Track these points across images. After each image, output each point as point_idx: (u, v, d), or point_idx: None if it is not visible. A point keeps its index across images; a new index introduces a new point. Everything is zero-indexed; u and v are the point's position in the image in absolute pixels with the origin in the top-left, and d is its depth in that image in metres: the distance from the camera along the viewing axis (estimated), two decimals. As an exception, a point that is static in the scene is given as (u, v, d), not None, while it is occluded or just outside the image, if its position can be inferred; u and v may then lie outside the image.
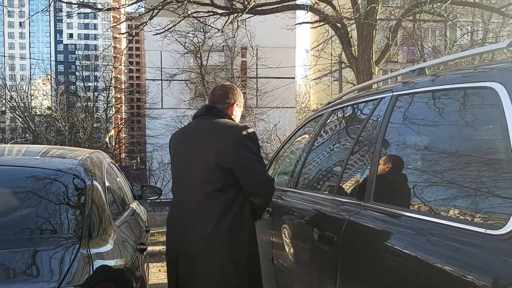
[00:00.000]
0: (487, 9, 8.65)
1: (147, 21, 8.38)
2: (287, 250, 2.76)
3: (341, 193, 2.28)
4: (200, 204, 2.38)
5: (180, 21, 8.77)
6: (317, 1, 8.10)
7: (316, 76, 27.21)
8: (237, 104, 2.68)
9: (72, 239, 2.02)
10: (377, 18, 7.15)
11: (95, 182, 2.55)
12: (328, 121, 2.81)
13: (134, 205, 3.85)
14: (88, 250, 1.97)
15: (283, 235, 2.84)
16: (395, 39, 8.82)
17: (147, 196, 4.28)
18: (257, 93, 25.13)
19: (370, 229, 1.89)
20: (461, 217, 1.48)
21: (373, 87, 3.30)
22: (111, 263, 2.11)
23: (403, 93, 2.04)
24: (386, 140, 2.01)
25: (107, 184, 2.80)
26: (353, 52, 7.39)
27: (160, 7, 7.96)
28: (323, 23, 7.97)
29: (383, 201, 1.89)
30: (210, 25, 8.87)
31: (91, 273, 1.87)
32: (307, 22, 8.85)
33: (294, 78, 30.23)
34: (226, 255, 2.33)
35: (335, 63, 23.12)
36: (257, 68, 26.32)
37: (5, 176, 2.41)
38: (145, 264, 2.97)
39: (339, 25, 7.41)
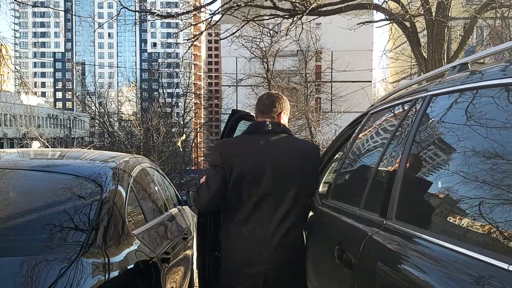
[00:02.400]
0: None
1: (208, 26, 8.42)
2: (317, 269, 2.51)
3: (366, 207, 2.00)
4: (280, 216, 2.45)
5: (244, 25, 8.73)
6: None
7: (394, 80, 26.18)
8: (284, 113, 2.70)
9: (71, 247, 1.93)
10: (450, 15, 6.59)
11: (118, 188, 2.47)
12: (365, 126, 2.52)
13: (174, 210, 3.76)
14: (83, 261, 1.87)
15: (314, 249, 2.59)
16: (479, 38, 8.11)
17: (192, 201, 4.20)
18: (331, 97, 24.65)
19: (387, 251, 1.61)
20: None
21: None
22: (112, 275, 1.99)
23: (438, 93, 1.73)
24: (415, 148, 1.71)
25: (134, 189, 2.71)
26: (423, 52, 6.87)
27: (220, 12, 7.95)
28: (389, 22, 7.50)
29: (406, 220, 1.61)
30: (273, 30, 8.73)
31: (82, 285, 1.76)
32: (372, 22, 8.39)
33: (371, 81, 29.33)
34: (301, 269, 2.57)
35: (414, 65, 22.04)
36: (332, 72, 25.83)
37: (22, 179, 2.40)
38: (169, 274, 2.84)
39: (407, 23, 6.92)
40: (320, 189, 3.58)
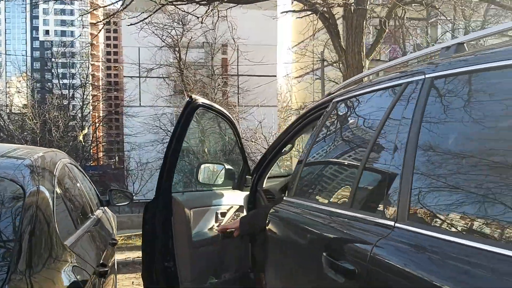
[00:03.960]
0: (486, 0, 8.29)
1: (120, 9, 7.78)
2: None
3: (359, 207, 1.77)
4: None
5: (158, 9, 8.20)
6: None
7: (298, 75, 26.83)
8: None
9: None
10: (368, 7, 6.69)
11: (41, 189, 2.01)
12: (331, 116, 2.30)
13: (99, 213, 3.30)
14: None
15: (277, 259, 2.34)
16: (385, 32, 8.38)
17: (116, 201, 3.75)
18: (238, 91, 24.57)
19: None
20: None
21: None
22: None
23: (441, 75, 1.54)
24: (418, 139, 1.50)
25: (58, 191, 2.25)
26: (342, 45, 6.92)
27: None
28: (309, 12, 7.46)
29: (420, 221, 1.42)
30: (190, 13, 8.25)
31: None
32: (293, 11, 8.31)
33: (275, 76, 29.78)
34: None
35: (317, 61, 22.71)
36: (238, 65, 25.76)
37: None
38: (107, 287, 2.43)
39: (327, 15, 6.92)
40: (265, 185, 3.33)
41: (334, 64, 21.88)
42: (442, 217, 1.35)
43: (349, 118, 2.21)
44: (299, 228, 2.14)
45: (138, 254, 7.04)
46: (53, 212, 1.96)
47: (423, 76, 1.60)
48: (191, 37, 16.15)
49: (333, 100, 2.32)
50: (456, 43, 1.65)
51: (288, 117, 27.99)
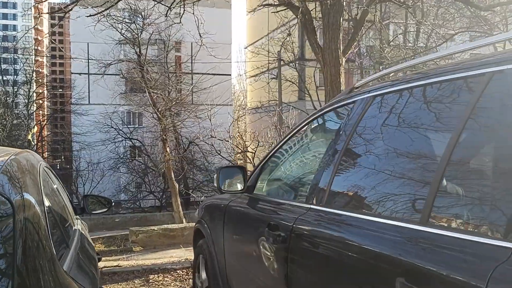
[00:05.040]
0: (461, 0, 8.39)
1: (73, 3, 7.27)
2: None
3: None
4: None
5: (117, 2, 7.72)
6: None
7: (253, 74, 26.72)
8: None
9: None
10: (344, 4, 6.57)
11: (31, 201, 1.65)
12: (367, 113, 2.04)
13: (79, 224, 2.92)
14: None
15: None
16: (361, 28, 8.32)
17: (93, 209, 3.38)
18: (192, 89, 24.12)
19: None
20: None
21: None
22: None
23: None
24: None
25: (46, 203, 1.88)
26: (318, 42, 6.77)
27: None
28: (285, 7, 7.25)
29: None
30: (140, 14, 7.87)
31: None
32: (270, 5, 8.03)
33: (230, 75, 29.54)
34: None
35: (274, 60, 22.65)
36: (192, 63, 25.30)
37: None
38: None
39: (302, 8, 6.71)
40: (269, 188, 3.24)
41: (290, 64, 21.93)
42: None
43: (388, 116, 1.96)
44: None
45: (134, 263, 6.68)
46: (47, 230, 1.61)
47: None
48: (152, 32, 15.60)
49: (368, 95, 2.05)
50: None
51: (243, 116, 27.83)
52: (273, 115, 14.37)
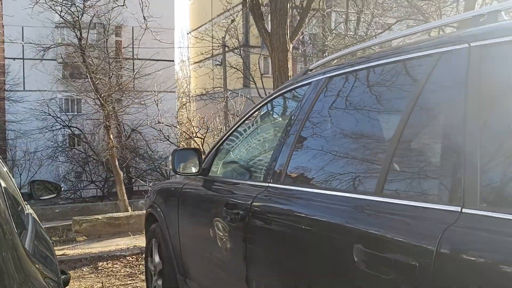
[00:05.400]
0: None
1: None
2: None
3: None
4: None
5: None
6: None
7: (197, 60, 26.44)
8: None
9: None
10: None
11: None
12: (323, 93, 2.13)
13: (29, 208, 2.84)
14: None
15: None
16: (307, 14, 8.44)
17: (40, 194, 3.28)
18: (134, 75, 23.51)
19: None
20: None
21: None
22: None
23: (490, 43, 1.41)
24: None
25: (2, 184, 1.82)
26: (266, 27, 6.84)
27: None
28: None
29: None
30: None
31: None
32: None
33: (173, 61, 29.03)
34: None
35: (218, 46, 22.53)
36: (133, 48, 24.63)
37: None
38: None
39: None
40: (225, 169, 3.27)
41: (235, 51, 21.92)
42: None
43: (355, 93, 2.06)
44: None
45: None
46: (8, 210, 1.56)
47: (466, 45, 1.47)
48: (94, 14, 15.01)
49: (324, 76, 2.14)
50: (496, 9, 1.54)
51: (187, 103, 27.53)
52: (219, 102, 14.34)
